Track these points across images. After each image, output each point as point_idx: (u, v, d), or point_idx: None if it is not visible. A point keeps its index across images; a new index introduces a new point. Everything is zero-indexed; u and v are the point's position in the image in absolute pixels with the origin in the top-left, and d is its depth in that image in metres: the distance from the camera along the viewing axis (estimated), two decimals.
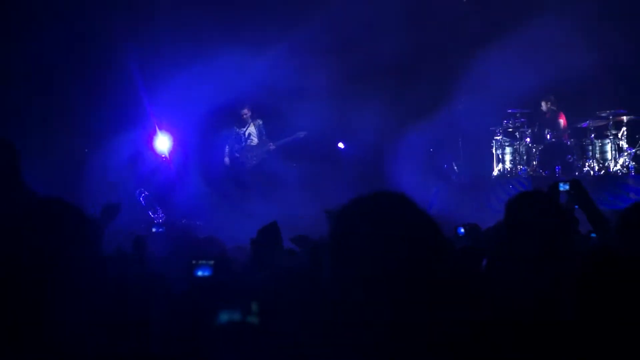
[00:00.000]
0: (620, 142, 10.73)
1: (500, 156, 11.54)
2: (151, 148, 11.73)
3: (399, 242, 1.71)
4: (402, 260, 1.70)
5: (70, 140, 10.67)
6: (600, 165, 10.71)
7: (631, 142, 10.75)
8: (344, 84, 11.18)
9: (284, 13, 10.99)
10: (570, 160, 10.92)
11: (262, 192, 11.10)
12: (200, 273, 2.62)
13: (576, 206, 3.73)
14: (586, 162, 10.84)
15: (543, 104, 11.59)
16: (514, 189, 10.55)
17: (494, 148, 11.62)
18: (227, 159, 11.76)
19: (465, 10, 11.94)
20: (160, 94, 11.01)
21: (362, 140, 11.93)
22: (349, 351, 1.69)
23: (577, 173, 10.74)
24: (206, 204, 10.94)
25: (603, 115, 10.86)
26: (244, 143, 11.67)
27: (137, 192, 11.09)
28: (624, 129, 10.78)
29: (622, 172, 10.48)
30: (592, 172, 10.71)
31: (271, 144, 11.58)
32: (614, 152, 10.72)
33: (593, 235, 3.88)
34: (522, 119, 11.54)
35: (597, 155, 10.79)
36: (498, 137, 11.58)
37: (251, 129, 11.63)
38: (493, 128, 11.68)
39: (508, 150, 11.43)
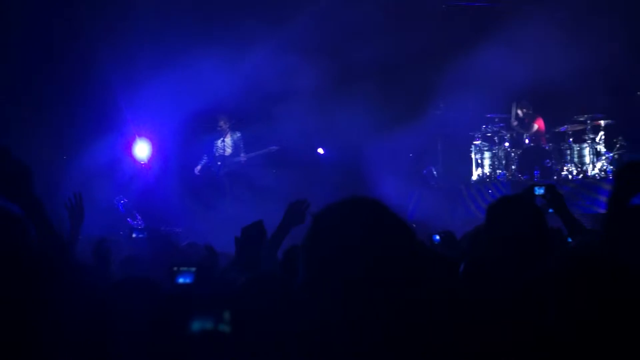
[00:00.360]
0: (598, 147, 10.83)
1: (479, 161, 11.59)
2: (130, 154, 11.65)
3: (372, 246, 1.73)
4: (375, 264, 1.71)
5: (48, 147, 10.55)
6: (579, 169, 10.80)
7: (609, 147, 10.85)
8: (324, 89, 11.18)
9: (265, 16, 10.97)
10: (549, 165, 10.99)
11: (240, 198, 11.08)
12: (181, 280, 2.60)
13: (550, 210, 3.78)
14: (564, 166, 10.92)
15: (518, 110, 11.68)
16: (493, 194, 10.61)
17: (473, 153, 11.67)
18: (198, 167, 11.74)
19: (445, 16, 12.01)
20: (139, 99, 10.94)
21: (341, 146, 11.95)
22: (323, 355, 1.69)
23: (555, 177, 10.81)
24: (185, 210, 10.89)
25: (581, 119, 10.96)
26: (217, 153, 11.66)
27: (116, 199, 11.01)
28: (602, 133, 10.88)
29: (600, 176, 10.57)
30: (570, 176, 10.78)
31: (243, 154, 11.58)
32: (592, 156, 10.81)
33: (569, 239, 3.92)
34: (501, 124, 11.61)
35: (576, 160, 10.88)
36: (477, 142, 11.64)
37: (227, 140, 11.61)
38: (472, 133, 11.74)
39: (487, 154, 11.48)
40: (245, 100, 11.21)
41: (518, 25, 10.60)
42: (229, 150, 11.65)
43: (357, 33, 11.04)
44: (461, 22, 11.85)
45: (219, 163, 11.62)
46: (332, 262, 1.74)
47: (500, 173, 11.28)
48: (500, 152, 11.40)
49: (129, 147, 11.60)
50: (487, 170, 11.45)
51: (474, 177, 11.59)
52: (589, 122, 10.86)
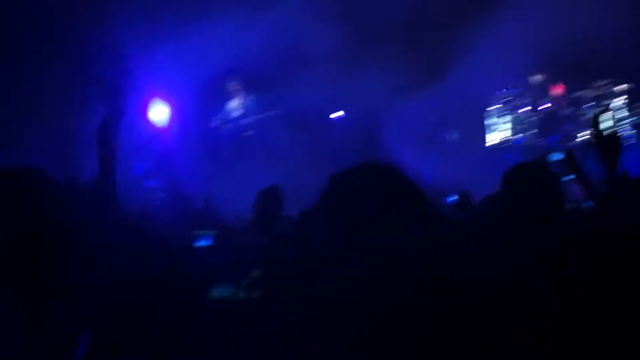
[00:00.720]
0: (620, 111, 10.72)
1: (497, 125, 11.51)
2: (145, 118, 11.63)
3: (385, 210, 1.78)
4: (389, 226, 1.74)
5: (61, 106, 10.52)
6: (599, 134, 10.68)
7: (631, 111, 10.73)
8: (342, 51, 11.09)
9: None
10: (568, 130, 10.90)
11: (256, 162, 11.10)
12: (201, 243, 2.64)
13: (568, 177, 3.76)
14: (584, 130, 10.82)
15: (538, 76, 11.55)
16: (510, 159, 10.55)
17: (490, 118, 11.59)
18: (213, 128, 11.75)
19: None
20: (156, 60, 10.88)
21: (358, 109, 11.89)
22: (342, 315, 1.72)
23: (574, 142, 10.73)
24: (202, 174, 10.91)
25: (602, 83, 10.83)
26: (228, 116, 11.67)
27: (136, 165, 11.02)
28: (624, 97, 10.77)
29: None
30: (589, 142, 10.67)
31: (255, 117, 11.56)
32: (613, 120, 10.68)
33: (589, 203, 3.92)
34: (519, 89, 11.49)
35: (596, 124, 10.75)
36: (494, 107, 11.55)
37: (237, 103, 11.60)
38: (490, 97, 11.64)
39: (504, 119, 11.40)
40: (263, 61, 11.16)
41: None
42: (239, 113, 11.64)
43: None
44: None
45: (233, 126, 11.62)
46: (353, 227, 1.80)
47: (518, 138, 11.20)
48: (518, 117, 11.31)
49: (144, 109, 11.57)
50: (505, 135, 11.37)
51: (492, 142, 11.52)
52: (611, 86, 10.73)
